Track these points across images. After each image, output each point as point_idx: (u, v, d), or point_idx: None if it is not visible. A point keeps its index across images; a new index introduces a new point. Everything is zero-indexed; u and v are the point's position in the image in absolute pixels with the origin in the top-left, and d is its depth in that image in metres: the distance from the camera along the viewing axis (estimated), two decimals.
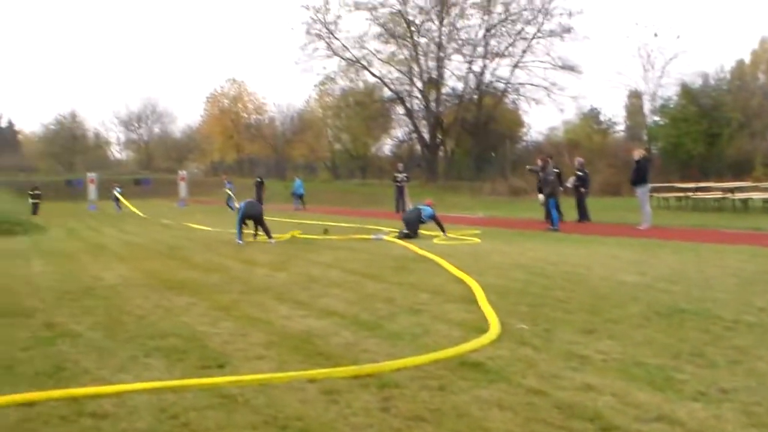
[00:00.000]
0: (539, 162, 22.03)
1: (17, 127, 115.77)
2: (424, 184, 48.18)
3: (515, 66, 49.72)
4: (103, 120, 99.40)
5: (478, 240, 17.68)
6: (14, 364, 6.43)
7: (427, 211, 19.27)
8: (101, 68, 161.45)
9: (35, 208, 41.70)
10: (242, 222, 18.97)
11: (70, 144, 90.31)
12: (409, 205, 32.72)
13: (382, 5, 50.77)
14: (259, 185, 42.88)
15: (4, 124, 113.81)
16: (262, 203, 39.58)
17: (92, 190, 55.53)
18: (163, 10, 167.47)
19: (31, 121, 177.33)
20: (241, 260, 14.64)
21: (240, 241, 18.56)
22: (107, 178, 65.69)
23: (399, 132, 63.43)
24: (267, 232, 19.13)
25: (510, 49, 49.57)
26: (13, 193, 58.25)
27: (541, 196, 21.92)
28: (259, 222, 19.36)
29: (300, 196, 42.78)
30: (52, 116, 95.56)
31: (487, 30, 49.11)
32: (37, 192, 43.66)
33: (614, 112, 60.54)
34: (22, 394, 5.42)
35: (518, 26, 48.80)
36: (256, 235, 19.54)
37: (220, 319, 8.23)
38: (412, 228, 18.90)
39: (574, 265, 12.15)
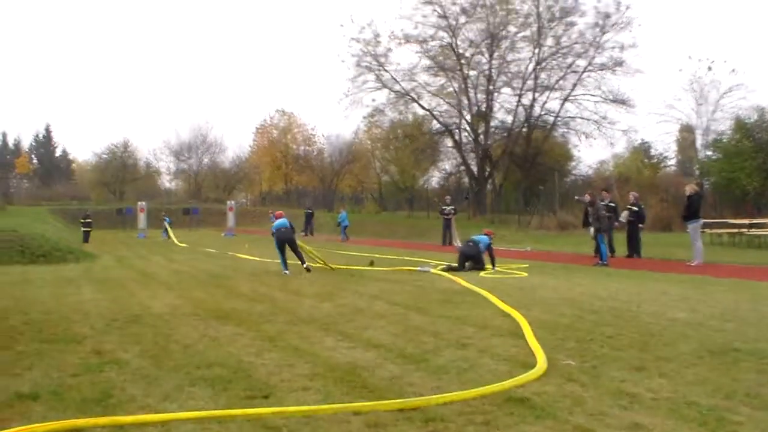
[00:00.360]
0: (587, 197, 21.95)
1: (71, 156, 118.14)
2: (472, 217, 48.00)
3: (565, 99, 49.46)
4: (154, 149, 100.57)
5: (526, 274, 17.55)
6: (62, 390, 6.49)
7: (484, 241, 19.30)
8: (153, 98, 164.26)
9: (86, 236, 42.36)
10: (280, 250, 19.10)
11: (121, 173, 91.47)
12: (457, 239, 32.72)
13: (433, 38, 50.98)
14: (309, 216, 43.28)
15: (58, 153, 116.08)
16: (312, 233, 39.89)
17: (142, 219, 56.30)
18: (215, 42, 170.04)
19: (85, 150, 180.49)
20: (287, 290, 14.68)
21: (286, 271, 18.72)
22: (157, 207, 66.54)
23: (447, 164, 63.45)
24: (300, 258, 19.31)
25: (560, 82, 49.35)
26: (66, 220, 59.21)
27: (591, 230, 21.75)
28: (292, 248, 19.43)
29: (344, 228, 43.04)
30: (104, 145, 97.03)
31: (538, 63, 48.92)
32: (88, 220, 44.38)
33: (665, 146, 59.63)
34: (69, 420, 5.46)
35: (569, 59, 48.54)
36: (305, 265, 19.33)
37: (265, 350, 8.24)
38: (477, 260, 18.98)
39: (623, 301, 11.98)
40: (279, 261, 19.31)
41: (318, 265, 20.13)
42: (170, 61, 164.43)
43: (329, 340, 8.84)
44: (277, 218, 20.40)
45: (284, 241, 19.30)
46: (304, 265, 19.18)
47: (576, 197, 22.71)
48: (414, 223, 48.64)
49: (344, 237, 41.76)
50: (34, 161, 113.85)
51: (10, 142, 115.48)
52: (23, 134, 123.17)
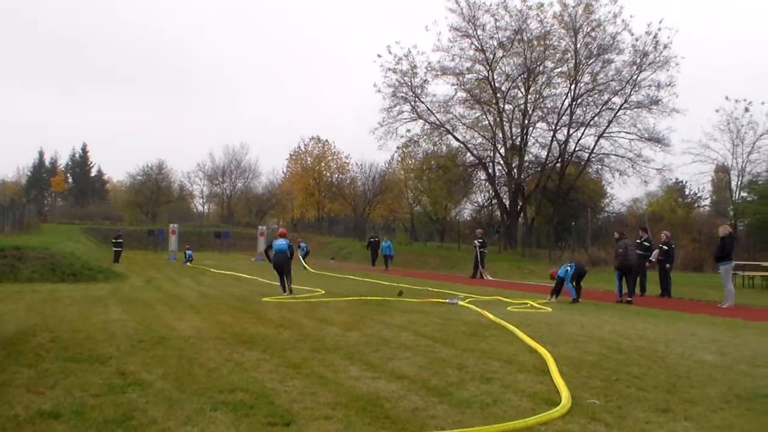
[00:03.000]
0: (616, 235, 22.18)
1: (106, 176, 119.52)
2: (502, 251, 47.84)
3: (600, 136, 49.18)
4: (189, 172, 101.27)
5: (550, 309, 17.42)
6: (85, 410, 6.51)
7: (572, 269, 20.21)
8: (190, 121, 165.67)
9: (117, 256, 42.80)
10: (278, 273, 21.10)
11: (154, 195, 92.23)
12: (486, 273, 32.62)
13: (469, 71, 51.00)
14: (375, 244, 43.48)
15: (93, 173, 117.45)
16: (375, 263, 40.00)
17: (173, 241, 56.75)
18: (253, 67, 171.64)
19: (120, 171, 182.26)
20: (314, 318, 14.67)
21: (284, 292, 20.67)
22: (188, 230, 66.99)
23: (479, 197, 63.31)
24: (285, 284, 20.94)
25: (596, 119, 49.07)
26: (98, 240, 59.79)
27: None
28: (285, 272, 21.00)
29: (385, 257, 43.22)
30: (139, 166, 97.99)
31: (573, 99, 48.78)
32: (119, 240, 44.87)
33: (700, 186, 59.08)
34: None
35: (605, 96, 48.31)
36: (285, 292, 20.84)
37: (289, 377, 8.22)
38: (557, 290, 20.03)
39: (651, 341, 11.85)
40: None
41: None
42: (208, 85, 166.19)
43: (354, 369, 8.81)
44: (280, 236, 21.90)
45: (281, 265, 20.99)
46: (284, 292, 20.70)
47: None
48: (445, 255, 48.50)
49: (388, 265, 42.10)
50: (70, 180, 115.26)
51: (47, 161, 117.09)
52: (60, 152, 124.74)
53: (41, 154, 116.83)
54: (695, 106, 53.88)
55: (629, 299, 20.56)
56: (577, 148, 50.87)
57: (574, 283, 19.96)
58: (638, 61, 46.05)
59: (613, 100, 48.20)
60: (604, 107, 48.58)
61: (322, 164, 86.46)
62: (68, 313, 14.81)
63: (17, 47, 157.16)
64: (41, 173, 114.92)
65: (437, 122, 52.78)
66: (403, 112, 52.82)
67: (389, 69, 51.54)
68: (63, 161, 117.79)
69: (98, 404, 6.71)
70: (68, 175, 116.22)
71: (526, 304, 18.52)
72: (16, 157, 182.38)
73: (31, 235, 45.07)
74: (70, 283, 24.46)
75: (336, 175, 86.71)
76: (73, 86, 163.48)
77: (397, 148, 55.95)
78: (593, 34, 47.10)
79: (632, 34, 45.95)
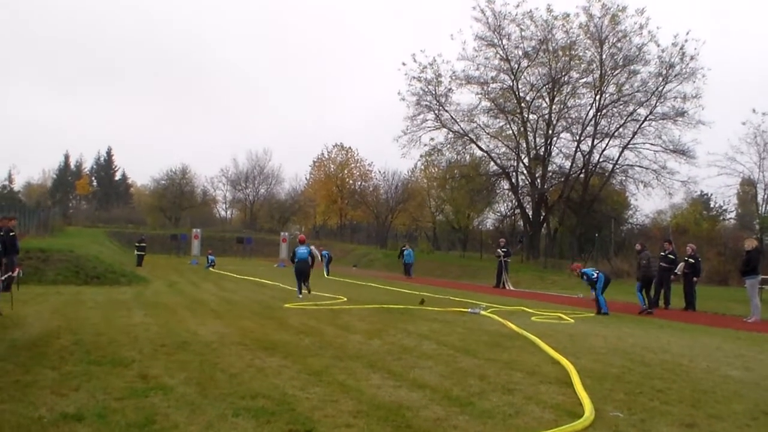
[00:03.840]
0: (638, 246, 22.55)
1: (130, 180, 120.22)
2: (525, 261, 47.70)
3: (624, 147, 48.82)
4: (212, 178, 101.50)
5: (572, 320, 17.33)
6: (107, 413, 6.53)
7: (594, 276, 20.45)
8: (214, 126, 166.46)
9: (140, 260, 43.04)
10: (298, 278, 22.71)
11: (178, 199, 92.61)
12: (508, 283, 32.50)
13: (494, 81, 50.95)
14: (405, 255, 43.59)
15: (118, 177, 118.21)
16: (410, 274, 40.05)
17: (196, 246, 56.98)
18: (277, 74, 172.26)
19: (144, 175, 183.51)
20: (336, 325, 14.66)
21: (299, 295, 22.30)
22: (211, 234, 67.22)
23: (502, 207, 63.09)
24: (302, 287, 22.68)
25: (620, 130, 48.74)
26: (122, 243, 60.12)
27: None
28: (305, 277, 22.71)
29: (405, 265, 43.23)
30: (163, 171, 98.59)
31: (598, 110, 48.51)
32: (142, 244, 45.12)
33: (725, 199, 58.41)
34: None
35: (630, 107, 48.00)
36: (304, 289, 22.72)
37: (310, 384, 8.22)
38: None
39: (675, 355, 11.74)
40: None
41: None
42: (233, 90, 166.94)
43: (375, 377, 8.79)
44: (300, 243, 23.65)
45: (302, 272, 22.61)
46: (299, 294, 22.48)
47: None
48: (467, 264, 48.44)
49: (409, 274, 42.09)
50: (94, 183, 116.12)
51: (72, 164, 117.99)
52: (86, 156, 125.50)
53: (66, 157, 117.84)
54: (722, 119, 53.16)
55: (650, 310, 20.75)
56: (601, 159, 50.62)
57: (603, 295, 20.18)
58: (664, 72, 45.81)
59: (638, 111, 47.97)
60: (629, 118, 48.34)
61: (345, 171, 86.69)
62: (92, 316, 14.90)
63: (45, 51, 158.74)
64: (66, 176, 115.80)
65: (461, 131, 52.79)
66: (426, 120, 52.89)
67: (414, 77, 51.65)
68: (88, 165, 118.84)
69: (121, 408, 6.74)
70: (93, 178, 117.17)
71: (557, 316, 18.44)
72: (42, 160, 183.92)
73: (56, 237, 45.34)
74: (94, 286, 24.59)
75: (359, 183, 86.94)
76: (98, 90, 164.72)
77: (421, 156, 55.99)
78: (619, 44, 46.94)
79: (658, 46, 45.78)
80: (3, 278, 15.27)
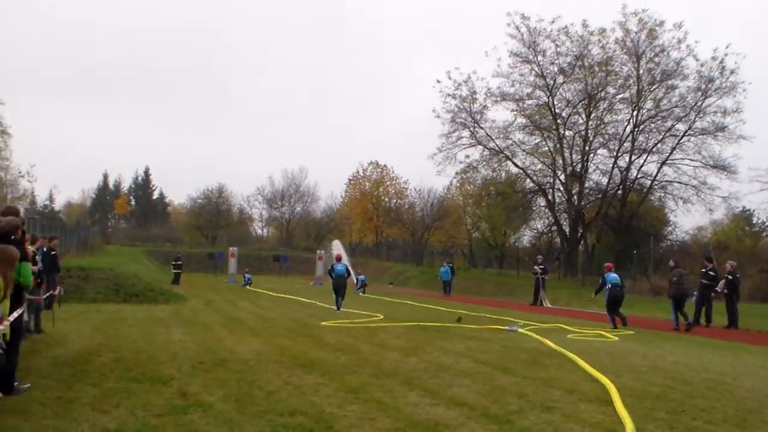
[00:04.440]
0: (671, 263, 22.71)
1: (167, 198, 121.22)
2: (562, 278, 47.36)
3: (663, 163, 48.28)
4: (248, 196, 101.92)
5: (615, 338, 17.18)
6: (147, 429, 6.59)
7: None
8: (249, 144, 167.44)
9: (176, 278, 43.36)
10: (336, 293, 24.47)
11: (214, 218, 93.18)
12: (546, 300, 32.30)
13: (529, 97, 50.80)
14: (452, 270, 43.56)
15: (155, 196, 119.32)
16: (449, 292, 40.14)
17: (232, 264, 57.29)
18: (312, 92, 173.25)
19: (181, 194, 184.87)
20: (372, 343, 14.65)
21: (338, 311, 23.57)
22: (247, 253, 67.53)
23: (539, 224, 62.62)
24: (339, 303, 24.29)
25: (658, 145, 48.18)
26: (159, 262, 60.62)
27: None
28: (342, 292, 24.58)
29: (444, 283, 43.15)
30: (200, 190, 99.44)
31: (636, 126, 48.07)
32: (179, 263, 45.47)
33: None
34: None
35: (668, 123, 47.40)
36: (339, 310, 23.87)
37: (348, 401, 8.21)
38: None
39: (718, 373, 11.58)
40: (334, 300, 24.52)
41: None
42: (269, 110, 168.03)
43: (412, 395, 8.76)
44: (336, 261, 25.96)
45: (340, 288, 24.53)
46: (338, 310, 23.81)
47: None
48: (503, 281, 48.21)
49: (447, 292, 42.00)
50: (132, 203, 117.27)
51: (111, 183, 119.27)
52: (124, 175, 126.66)
53: (105, 176, 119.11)
54: (764, 132, 52.47)
55: (688, 327, 20.75)
56: (639, 176, 50.11)
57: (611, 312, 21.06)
58: (703, 87, 45.29)
59: (677, 126, 47.41)
60: (667, 134, 47.81)
61: (381, 189, 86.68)
62: (131, 334, 15.02)
63: (84, 73, 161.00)
64: (105, 196, 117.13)
65: (497, 148, 52.62)
66: (462, 137, 52.77)
67: (448, 95, 51.62)
68: (126, 184, 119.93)
69: (161, 424, 6.78)
70: (131, 197, 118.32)
71: (598, 333, 18.32)
72: (81, 180, 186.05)
73: (96, 256, 45.85)
74: (133, 303, 24.80)
75: (394, 200, 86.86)
76: (136, 110, 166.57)
77: (456, 173, 55.82)
78: (656, 59, 46.50)
79: (697, 60, 45.22)
80: (45, 296, 15.45)
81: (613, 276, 21.64)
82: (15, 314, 8.10)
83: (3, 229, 7.78)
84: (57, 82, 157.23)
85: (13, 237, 8.11)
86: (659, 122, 48.14)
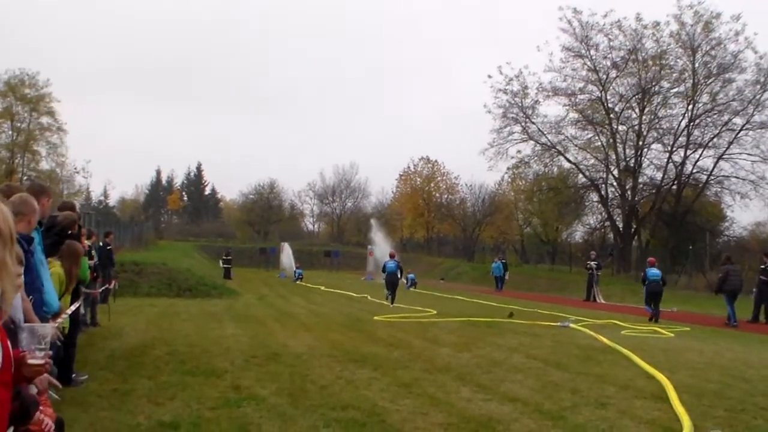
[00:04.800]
0: (723, 258, 23.25)
1: (219, 194, 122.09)
2: (616, 274, 46.83)
3: (719, 158, 47.35)
4: (299, 192, 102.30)
5: (671, 334, 16.94)
6: (201, 422, 6.64)
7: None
8: (301, 139, 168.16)
9: (227, 273, 43.69)
10: (389, 288, 25.65)
11: (266, 213, 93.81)
12: (600, 296, 31.98)
13: (582, 92, 50.37)
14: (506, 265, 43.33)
15: (207, 191, 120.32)
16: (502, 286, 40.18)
17: (284, 259, 57.54)
18: (363, 88, 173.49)
19: (232, 189, 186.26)
20: (424, 338, 14.63)
21: (391, 305, 24.39)
22: (299, 248, 67.84)
23: (591, 219, 62.08)
24: (393, 298, 25.25)
25: (715, 140, 47.31)
26: (211, 257, 61.19)
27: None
28: (394, 288, 25.57)
29: (496, 278, 42.90)
30: (251, 185, 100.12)
31: (691, 120, 47.26)
32: (229, 258, 45.83)
33: None
34: None
35: (725, 117, 46.48)
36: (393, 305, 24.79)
37: (400, 396, 8.20)
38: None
39: None
40: (387, 295, 25.87)
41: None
42: (320, 106, 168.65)
43: (465, 390, 8.72)
44: (390, 257, 26.97)
45: (391, 283, 25.58)
46: (392, 304, 24.54)
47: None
48: (556, 277, 47.84)
49: (499, 287, 41.70)
50: (185, 198, 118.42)
51: (164, 179, 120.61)
52: (176, 171, 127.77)
53: (158, 172, 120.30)
54: None
55: (733, 324, 20.85)
56: (694, 170, 49.31)
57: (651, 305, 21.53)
58: (762, 80, 44.34)
59: (734, 120, 46.49)
60: (723, 128, 46.90)
61: (432, 185, 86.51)
62: (185, 328, 15.17)
63: (138, 69, 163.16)
64: (158, 191, 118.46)
65: (548, 143, 52.27)
66: (513, 133, 52.55)
67: (500, 90, 51.38)
68: (179, 180, 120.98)
69: (215, 417, 6.83)
70: (183, 193, 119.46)
71: (652, 329, 18.08)
72: (135, 175, 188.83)
73: (149, 251, 46.43)
74: (186, 298, 25.06)
75: (445, 196, 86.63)
76: (189, 106, 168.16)
77: (508, 169, 55.59)
78: (713, 52, 45.65)
79: (756, 52, 44.24)
80: (100, 290, 15.69)
81: (653, 272, 22.02)
82: (73, 307, 8.23)
83: (60, 224, 7.89)
84: (113, 78, 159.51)
85: (70, 232, 8.23)
86: (716, 116, 47.26)
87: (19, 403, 3.81)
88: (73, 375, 8.38)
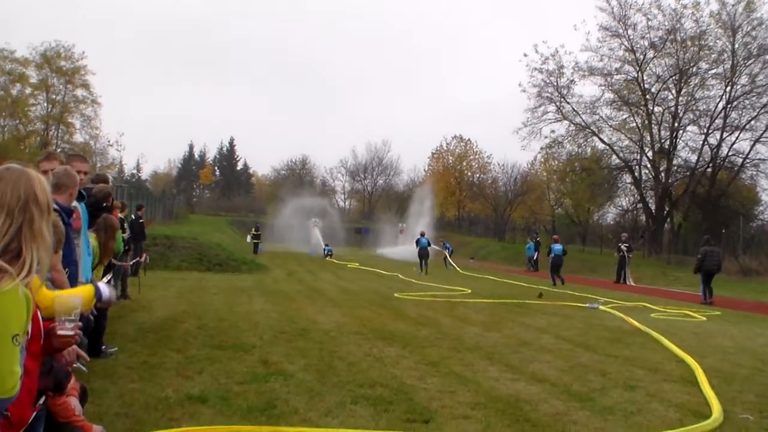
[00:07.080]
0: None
1: (251, 169, 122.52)
2: (647, 256, 46.48)
3: (756, 140, 46.58)
4: (331, 168, 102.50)
5: (703, 318, 16.79)
6: (230, 396, 6.68)
7: None
8: (334, 116, 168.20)
9: (256, 248, 43.92)
10: (421, 259, 33.03)
11: (297, 189, 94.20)
12: (630, 278, 31.77)
13: (618, 72, 49.76)
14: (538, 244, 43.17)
15: (239, 167, 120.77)
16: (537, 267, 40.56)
17: (315, 235, 57.69)
18: (397, 66, 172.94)
19: (264, 165, 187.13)
20: (453, 317, 14.63)
21: (420, 273, 31.17)
22: (329, 225, 67.99)
23: (624, 201, 61.68)
24: (424, 268, 32.37)
25: (752, 122, 46.58)
26: (242, 232, 61.49)
27: None
28: (425, 261, 32.99)
29: (529, 258, 42.77)
30: (283, 161, 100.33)
31: (729, 102, 46.55)
32: (257, 233, 46.03)
33: None
34: (234, 426, 5.61)
35: (764, 99, 45.74)
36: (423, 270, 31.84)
37: (428, 374, 8.20)
38: None
39: None
40: (418, 265, 33.06)
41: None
42: (352, 83, 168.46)
43: (493, 370, 8.71)
44: (421, 235, 34.49)
45: (423, 256, 32.98)
46: (420, 272, 31.51)
47: None
48: (586, 258, 47.57)
49: (530, 267, 41.50)
50: (217, 173, 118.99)
51: (196, 154, 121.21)
52: (209, 146, 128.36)
53: (191, 147, 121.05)
54: None
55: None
56: (730, 153, 48.65)
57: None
58: None
59: None
60: (762, 110, 46.16)
61: (464, 163, 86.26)
62: (214, 302, 15.29)
63: (174, 45, 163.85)
64: (191, 166, 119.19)
65: (583, 123, 51.83)
66: (547, 112, 52.15)
67: (535, 68, 50.96)
68: (211, 155, 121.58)
69: (242, 391, 6.87)
70: (216, 168, 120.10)
71: (684, 313, 17.93)
72: (168, 150, 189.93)
73: (180, 225, 46.80)
74: (216, 272, 25.24)
75: (477, 175, 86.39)
76: (222, 81, 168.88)
77: (541, 149, 55.26)
78: (754, 33, 44.83)
79: None
80: (131, 263, 15.82)
81: (557, 247, 27.50)
82: (104, 279, 8.29)
83: (95, 197, 7.94)
84: (146, 52, 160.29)
85: (105, 204, 8.29)
86: (754, 98, 46.46)
87: (53, 377, 3.85)
88: (103, 347, 8.47)
